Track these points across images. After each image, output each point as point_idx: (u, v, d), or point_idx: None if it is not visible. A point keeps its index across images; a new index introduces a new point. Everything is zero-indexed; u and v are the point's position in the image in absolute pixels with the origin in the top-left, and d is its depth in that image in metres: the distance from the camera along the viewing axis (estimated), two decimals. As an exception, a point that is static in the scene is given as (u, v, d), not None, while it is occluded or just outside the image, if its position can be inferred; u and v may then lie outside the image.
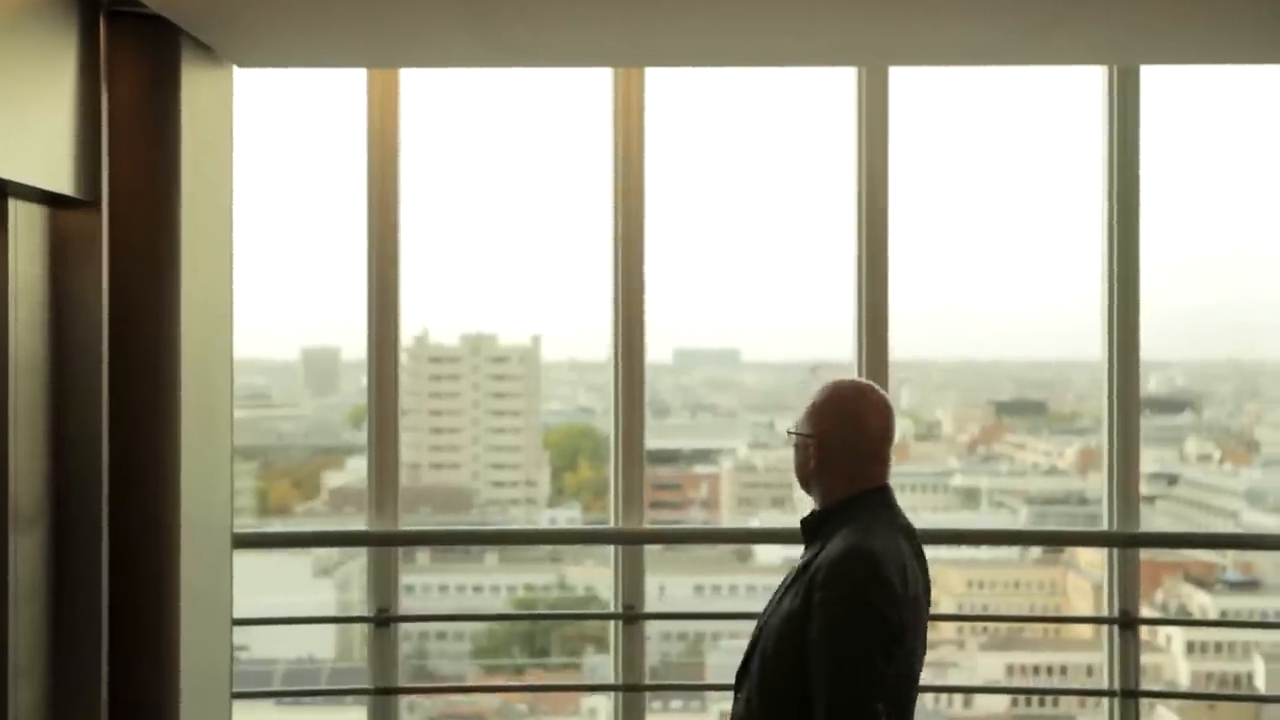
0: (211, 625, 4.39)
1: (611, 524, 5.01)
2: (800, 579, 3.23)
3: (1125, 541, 4.93)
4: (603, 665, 15.89)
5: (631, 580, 4.99)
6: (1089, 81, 5.15)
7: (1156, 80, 5.06)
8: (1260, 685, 14.34)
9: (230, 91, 4.40)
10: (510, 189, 19.10)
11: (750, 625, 3.47)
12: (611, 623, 5.04)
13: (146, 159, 4.00)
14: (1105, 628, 5.01)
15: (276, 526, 16.16)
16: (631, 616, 4.94)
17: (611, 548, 5.08)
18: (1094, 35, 4.29)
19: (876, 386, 3.38)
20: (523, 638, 16.09)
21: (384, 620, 4.94)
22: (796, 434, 3.35)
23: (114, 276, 3.91)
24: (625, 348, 5.02)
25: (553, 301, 18.86)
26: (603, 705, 15.02)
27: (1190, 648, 15.07)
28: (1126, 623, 4.92)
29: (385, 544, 4.94)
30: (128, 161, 3.96)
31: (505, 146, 18.76)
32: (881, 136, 5.03)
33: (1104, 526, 5.07)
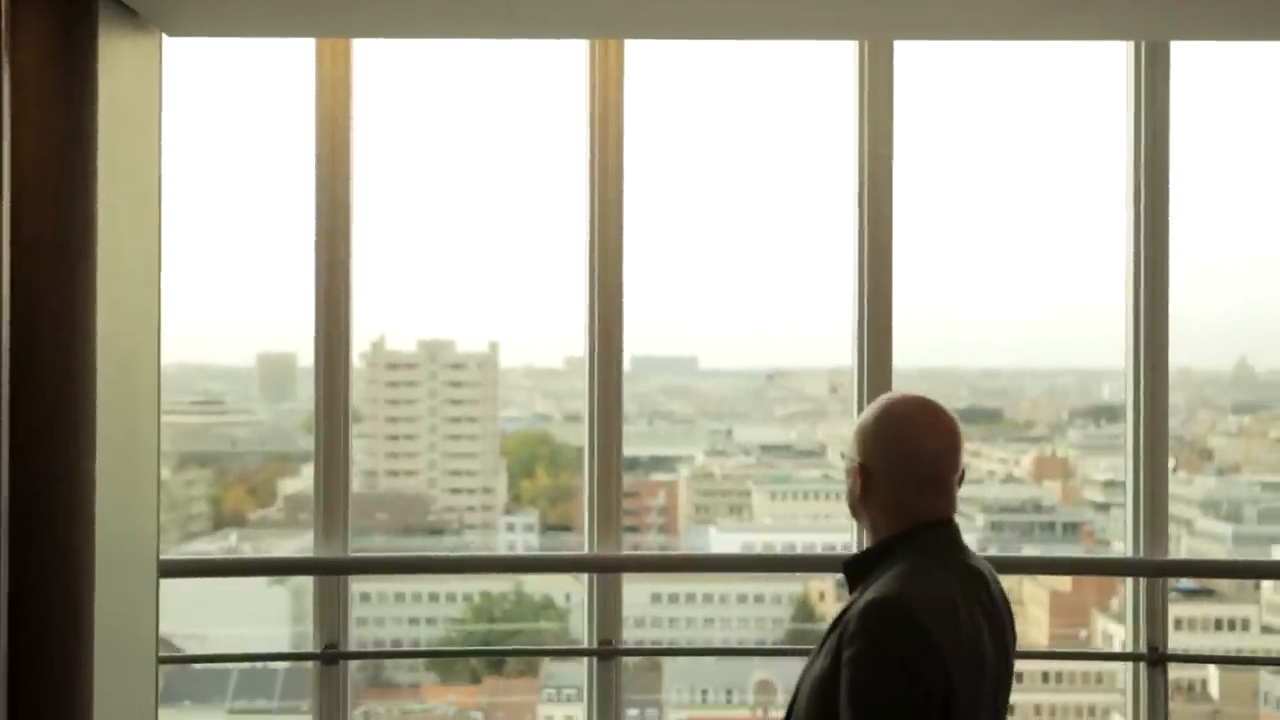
0: (132, 663, 3.73)
1: (586, 549, 4.36)
2: (836, 629, 2.62)
3: (1154, 570, 4.32)
4: (560, 673, 15.35)
5: (608, 611, 4.34)
6: (1112, 60, 4.55)
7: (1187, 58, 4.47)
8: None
9: (157, 62, 3.74)
10: (471, 181, 18.32)
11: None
12: (585, 659, 4.39)
13: (55, 137, 3.34)
14: (1130, 665, 4.40)
15: (231, 536, 15.58)
16: (608, 652, 4.29)
17: (586, 575, 4.43)
18: (1118, 6, 3.71)
19: (937, 403, 2.75)
20: (480, 643, 15.47)
21: (331, 657, 4.27)
22: (846, 458, 2.74)
23: (15, 270, 3.25)
24: (602, 357, 4.40)
25: (510, 307, 18.19)
26: (559, 714, 14.49)
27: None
28: (1155, 659, 4.31)
29: (333, 572, 4.27)
30: (32, 139, 3.29)
31: (467, 133, 17.89)
32: (885, 122, 4.40)
33: (1126, 553, 4.45)
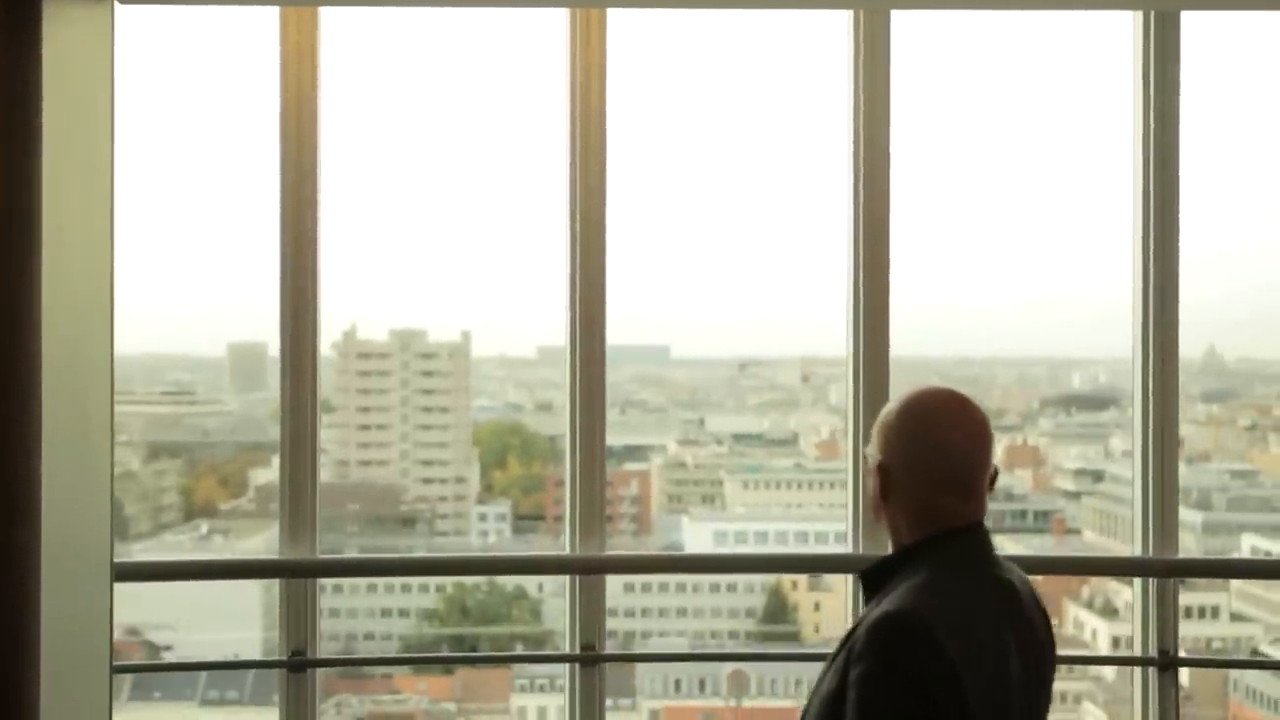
0: (84, 673, 3.43)
1: (567, 550, 4.06)
2: (843, 650, 2.33)
3: (1164, 570, 4.04)
4: (532, 665, 15.03)
5: (590, 615, 4.04)
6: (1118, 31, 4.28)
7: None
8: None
9: (109, 30, 3.43)
10: (443, 163, 17.90)
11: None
12: (566, 665, 4.10)
13: (-7, 107, 3.02)
14: (1138, 670, 4.13)
15: (202, 526, 15.30)
16: (590, 658, 3.99)
17: (566, 578, 4.13)
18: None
19: (966, 397, 2.46)
20: (452, 637, 15.18)
21: (299, 665, 3.96)
22: (867, 456, 2.46)
23: (-50, 253, 2.94)
24: (583, 346, 4.09)
25: (482, 296, 17.86)
26: (532, 704, 14.24)
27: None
28: (1166, 664, 4.04)
29: (299, 574, 3.96)
30: (-34, 110, 2.98)
31: (439, 112, 17.40)
32: (882, 98, 4.11)
33: (1135, 551, 4.17)
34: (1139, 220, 4.39)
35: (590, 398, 4.16)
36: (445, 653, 14.99)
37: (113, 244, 3.45)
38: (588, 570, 4.01)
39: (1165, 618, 4.12)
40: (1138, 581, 4.17)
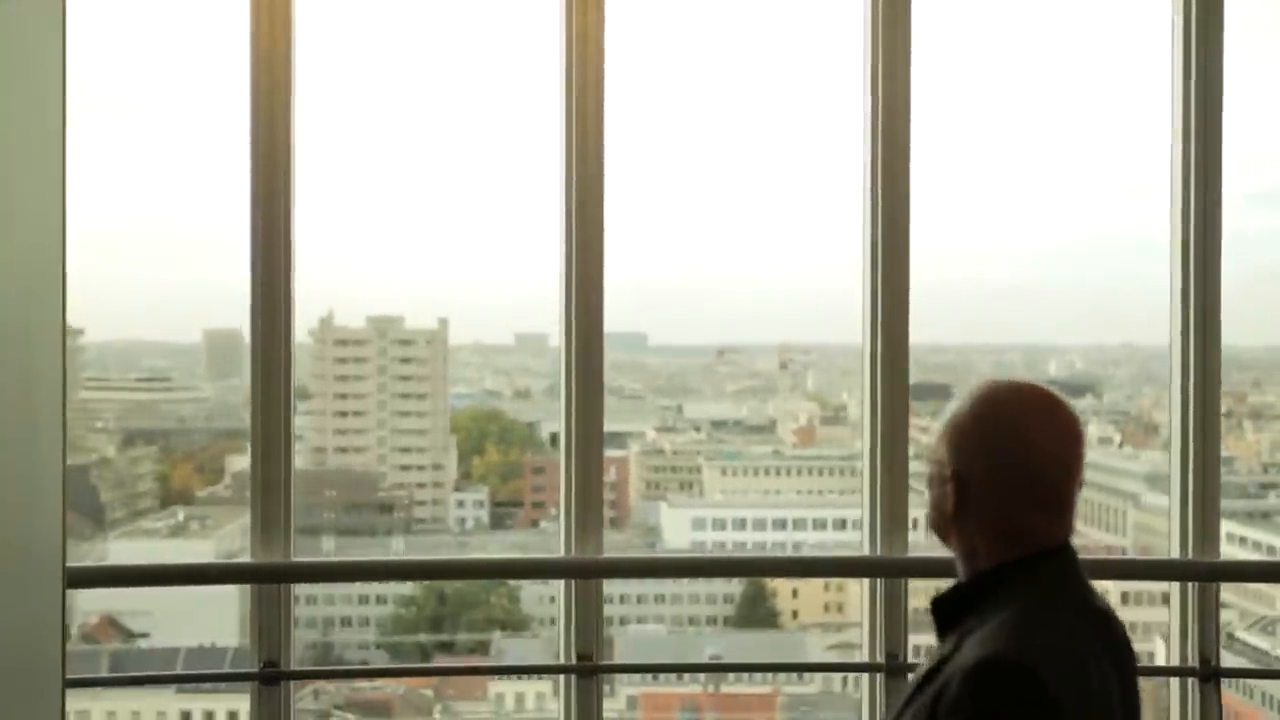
0: (33, 689, 3.03)
1: (563, 552, 3.67)
2: (926, 689, 1.94)
3: (1206, 574, 3.68)
4: (512, 648, 14.77)
5: (586, 622, 3.65)
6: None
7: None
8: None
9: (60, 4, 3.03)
10: (421, 142, 17.39)
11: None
12: (561, 677, 3.71)
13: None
14: (1176, 681, 3.76)
15: (179, 513, 14.98)
16: (588, 669, 3.60)
17: (560, 582, 3.74)
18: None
19: (1053, 392, 2.08)
20: (430, 621, 14.85)
21: (272, 677, 3.56)
22: (931, 462, 2.07)
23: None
24: (580, 335, 3.71)
25: (459, 283, 17.47)
26: (509, 690, 13.94)
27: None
28: (1208, 674, 3.68)
29: (272, 580, 3.55)
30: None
31: (417, 85, 16.82)
32: (903, 74, 3.73)
33: (1173, 554, 3.81)
34: (1178, 202, 4.03)
35: (587, 393, 3.79)
36: (436, 663, 14.64)
37: (64, 224, 3.05)
38: (585, 574, 3.63)
39: (1206, 625, 3.77)
40: (1175, 587, 3.82)
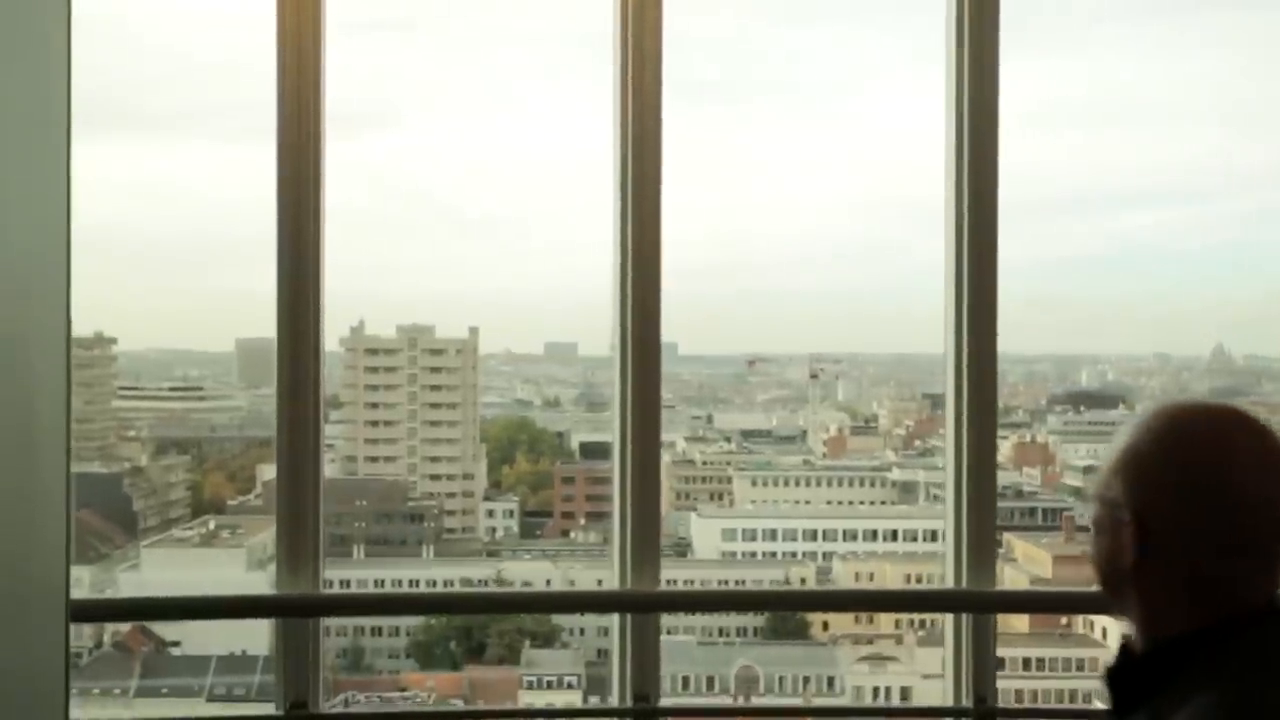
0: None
1: (617, 585, 3.25)
2: None
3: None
4: (540, 659, 14.37)
5: (644, 660, 3.24)
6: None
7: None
8: None
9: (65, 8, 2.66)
10: (457, 149, 17.02)
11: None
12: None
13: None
14: None
15: (210, 522, 14.79)
16: (646, 711, 3.19)
17: (616, 615, 3.33)
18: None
19: (1255, 417, 1.62)
20: (459, 632, 14.52)
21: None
22: (1100, 501, 1.63)
23: None
24: (636, 349, 3.29)
25: (490, 293, 17.19)
26: (539, 701, 13.60)
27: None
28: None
29: (300, 613, 3.14)
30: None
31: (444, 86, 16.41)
32: (991, 69, 3.32)
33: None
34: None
35: (644, 410, 3.38)
36: (465, 672, 14.28)
37: (69, 221, 2.67)
38: (643, 608, 3.21)
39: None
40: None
